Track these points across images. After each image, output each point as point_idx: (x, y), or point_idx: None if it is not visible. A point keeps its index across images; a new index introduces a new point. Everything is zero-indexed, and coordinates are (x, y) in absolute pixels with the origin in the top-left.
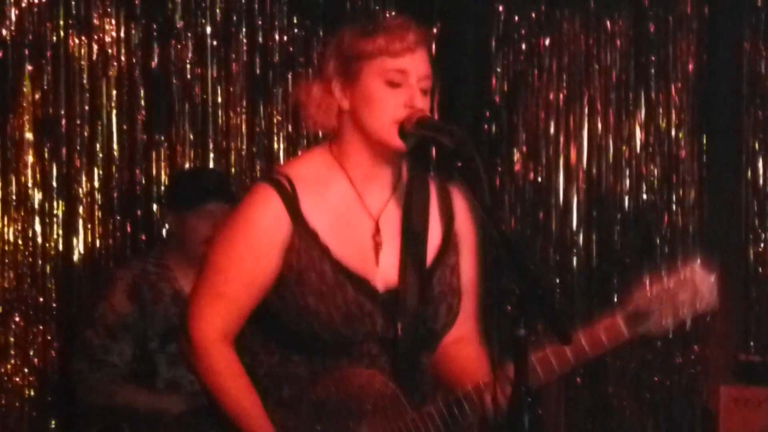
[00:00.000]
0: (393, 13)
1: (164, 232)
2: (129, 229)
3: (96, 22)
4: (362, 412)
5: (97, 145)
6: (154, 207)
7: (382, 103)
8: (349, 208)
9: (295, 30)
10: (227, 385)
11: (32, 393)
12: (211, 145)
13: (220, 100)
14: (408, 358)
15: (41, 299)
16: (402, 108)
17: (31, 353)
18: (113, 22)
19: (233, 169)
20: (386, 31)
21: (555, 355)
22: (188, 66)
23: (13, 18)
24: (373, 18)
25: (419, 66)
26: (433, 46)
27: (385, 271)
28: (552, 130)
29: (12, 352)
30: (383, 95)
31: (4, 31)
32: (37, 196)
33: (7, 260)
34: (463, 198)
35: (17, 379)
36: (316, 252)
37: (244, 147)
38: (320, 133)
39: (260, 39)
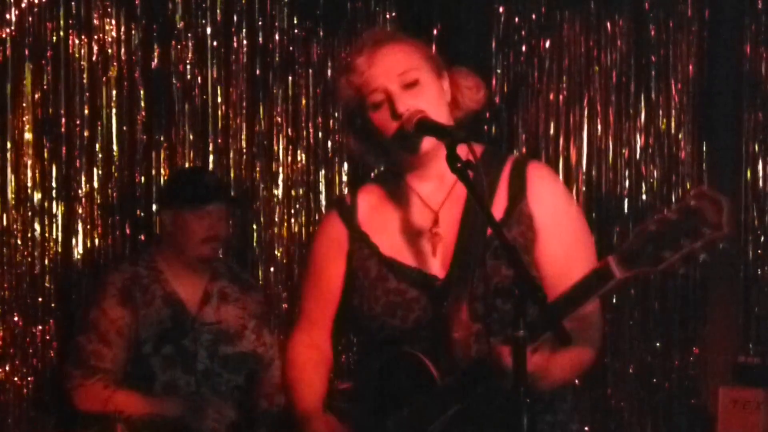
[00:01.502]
0: (385, 13)
1: (156, 233)
2: (128, 229)
3: (96, 22)
4: (402, 398)
5: (97, 146)
6: (154, 207)
7: (378, 126)
8: (406, 208)
9: (295, 31)
10: (293, 377)
11: (31, 393)
12: (210, 146)
13: (220, 100)
14: (472, 339)
15: (40, 299)
16: (392, 121)
17: (30, 353)
18: (113, 22)
19: (233, 170)
20: (349, 65)
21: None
22: (188, 66)
23: (14, 18)
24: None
25: (389, 69)
26: (433, 48)
27: (445, 259)
28: (552, 131)
29: (11, 351)
30: (375, 119)
31: (4, 31)
32: (37, 196)
33: (6, 260)
34: (545, 176)
35: (16, 379)
36: (366, 251)
37: (244, 147)
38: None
39: (260, 40)
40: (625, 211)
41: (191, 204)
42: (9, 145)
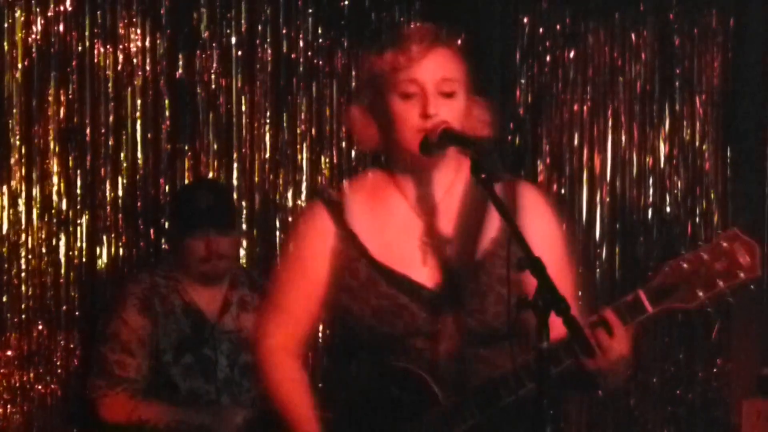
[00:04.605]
0: (410, 23)
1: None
2: (153, 238)
3: (121, 31)
4: (402, 410)
5: (122, 155)
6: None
7: (399, 116)
8: (397, 212)
9: (320, 41)
10: (282, 392)
11: (55, 401)
12: (235, 155)
13: (244, 109)
14: (459, 351)
15: (64, 308)
16: (418, 118)
17: (54, 362)
18: (138, 31)
19: (257, 179)
20: (394, 46)
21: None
22: (213, 76)
23: (39, 27)
24: (390, 32)
25: (433, 72)
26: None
27: (434, 268)
28: (576, 142)
29: (35, 360)
30: (399, 108)
31: (30, 40)
32: (62, 204)
33: (30, 268)
34: (534, 194)
35: (40, 387)
36: (354, 252)
37: (268, 156)
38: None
39: (285, 49)
40: (649, 222)
41: (185, 228)
42: (34, 153)
